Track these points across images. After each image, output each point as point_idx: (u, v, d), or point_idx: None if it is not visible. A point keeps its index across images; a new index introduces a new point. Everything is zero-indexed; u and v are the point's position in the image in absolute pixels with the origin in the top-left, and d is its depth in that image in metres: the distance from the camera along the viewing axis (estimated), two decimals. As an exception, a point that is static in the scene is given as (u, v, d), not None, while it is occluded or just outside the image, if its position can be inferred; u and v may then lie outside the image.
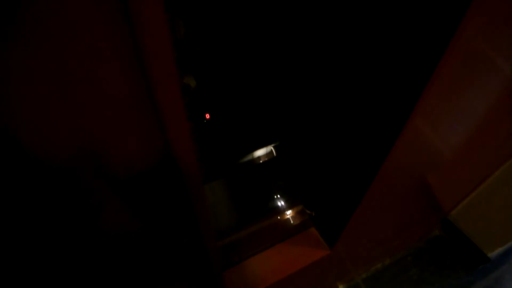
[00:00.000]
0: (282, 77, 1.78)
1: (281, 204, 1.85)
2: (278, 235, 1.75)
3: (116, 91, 0.56)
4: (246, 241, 1.74)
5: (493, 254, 2.18)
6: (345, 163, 1.39)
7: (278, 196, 1.90)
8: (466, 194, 2.13)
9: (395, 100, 1.00)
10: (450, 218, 2.30)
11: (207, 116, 2.21)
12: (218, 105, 2.21)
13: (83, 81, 0.52)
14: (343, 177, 1.42)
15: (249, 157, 2.00)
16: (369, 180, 1.21)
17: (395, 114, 1.00)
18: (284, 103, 1.87)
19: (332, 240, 1.67)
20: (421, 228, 2.30)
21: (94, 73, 0.52)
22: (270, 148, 2.00)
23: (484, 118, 1.34)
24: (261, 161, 2.02)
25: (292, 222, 1.77)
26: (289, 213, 1.79)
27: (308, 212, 1.73)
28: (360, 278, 2.24)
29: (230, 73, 2.20)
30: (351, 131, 1.31)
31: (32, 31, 0.44)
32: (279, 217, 1.78)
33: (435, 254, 2.32)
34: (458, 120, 1.26)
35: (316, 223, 1.76)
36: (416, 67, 0.88)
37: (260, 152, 1.99)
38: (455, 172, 1.77)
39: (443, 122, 1.18)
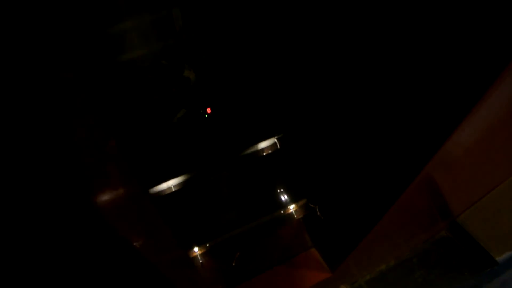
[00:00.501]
0: (288, 64, 1.72)
1: (284, 198, 1.78)
2: (278, 251, 1.67)
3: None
4: (245, 255, 1.65)
5: (501, 258, 2.11)
6: (363, 166, 1.24)
7: (281, 190, 1.83)
8: (479, 198, 2.07)
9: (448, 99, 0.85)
10: (458, 220, 2.23)
11: (209, 110, 2.15)
12: (220, 97, 2.15)
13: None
14: (358, 183, 1.30)
15: (252, 150, 1.93)
16: (391, 199, 1.05)
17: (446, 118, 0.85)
18: (289, 93, 1.81)
19: (334, 263, 1.58)
20: (429, 231, 2.22)
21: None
22: (273, 140, 1.94)
23: (500, 122, 1.25)
24: (264, 154, 1.95)
25: (295, 216, 1.70)
26: (292, 207, 1.72)
27: (312, 206, 1.66)
28: (364, 280, 2.16)
29: (231, 63, 2.14)
30: (375, 131, 1.13)
31: None
32: (282, 212, 1.71)
33: (441, 256, 2.25)
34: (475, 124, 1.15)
35: (317, 244, 1.67)
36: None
37: (263, 145, 1.93)
38: (467, 177, 1.70)
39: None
